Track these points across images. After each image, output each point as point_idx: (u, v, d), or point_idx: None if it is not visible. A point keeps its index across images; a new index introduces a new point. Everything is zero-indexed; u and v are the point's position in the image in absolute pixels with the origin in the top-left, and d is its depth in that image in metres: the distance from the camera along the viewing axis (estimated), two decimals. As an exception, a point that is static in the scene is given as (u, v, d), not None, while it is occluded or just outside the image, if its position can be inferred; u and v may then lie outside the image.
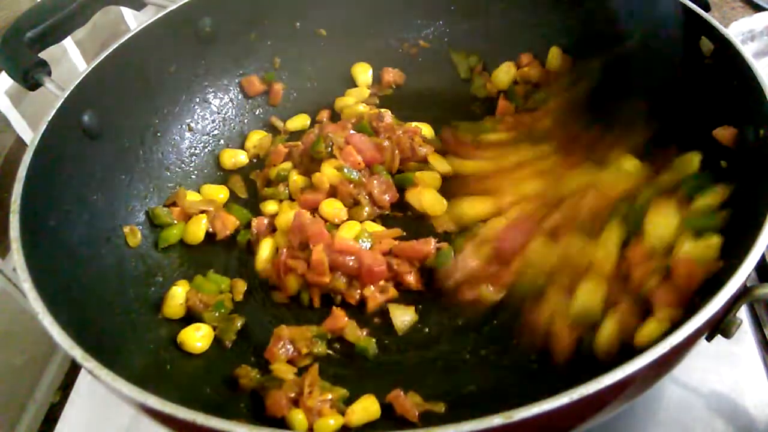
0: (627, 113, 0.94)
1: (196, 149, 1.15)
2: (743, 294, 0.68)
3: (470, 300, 0.90)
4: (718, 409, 0.88)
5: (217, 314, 0.94)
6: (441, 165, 1.09)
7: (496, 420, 0.54)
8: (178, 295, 0.95)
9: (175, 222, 1.04)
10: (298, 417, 0.79)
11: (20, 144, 1.21)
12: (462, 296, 0.90)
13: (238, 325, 0.93)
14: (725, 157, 0.87)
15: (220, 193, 1.10)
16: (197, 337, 0.91)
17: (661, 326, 0.75)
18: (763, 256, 0.99)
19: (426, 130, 1.16)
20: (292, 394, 0.82)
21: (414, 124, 1.15)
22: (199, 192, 1.10)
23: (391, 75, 1.26)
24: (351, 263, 0.93)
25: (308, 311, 0.95)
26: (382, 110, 1.15)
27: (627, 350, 0.73)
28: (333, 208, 1.03)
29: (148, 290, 0.97)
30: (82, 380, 1.04)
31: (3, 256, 1.14)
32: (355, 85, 1.26)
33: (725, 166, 0.86)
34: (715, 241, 0.79)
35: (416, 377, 0.86)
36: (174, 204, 1.07)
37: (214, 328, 0.92)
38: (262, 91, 1.22)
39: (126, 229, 1.00)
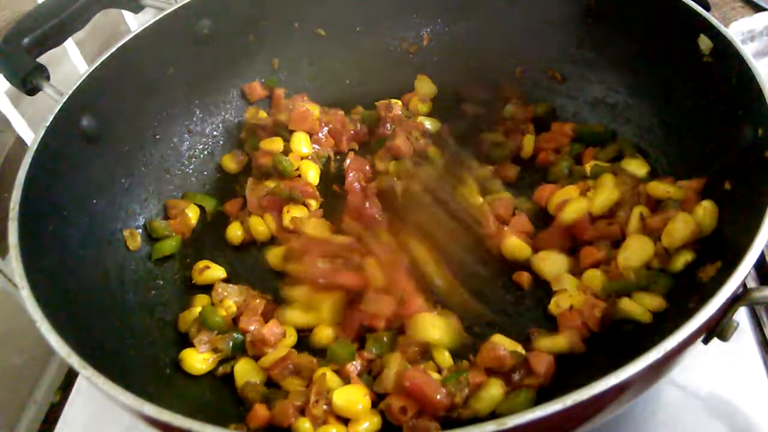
0: None
1: (195, 151, 1.16)
2: (740, 297, 0.67)
3: None
4: (718, 409, 0.88)
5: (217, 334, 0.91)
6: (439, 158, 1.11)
7: (489, 427, 0.54)
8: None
9: (174, 234, 1.05)
10: (305, 425, 0.78)
11: (20, 144, 1.22)
12: None
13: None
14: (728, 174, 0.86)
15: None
16: (199, 360, 0.89)
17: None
18: (763, 256, 0.99)
19: (431, 124, 1.18)
20: (299, 403, 0.80)
21: (419, 118, 1.17)
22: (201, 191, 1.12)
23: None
24: None
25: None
26: (392, 100, 1.17)
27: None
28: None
29: (148, 294, 0.97)
30: (83, 380, 1.04)
31: (3, 255, 1.14)
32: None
33: (729, 188, 0.85)
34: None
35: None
36: (172, 216, 1.07)
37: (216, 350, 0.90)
38: (263, 97, 1.22)
39: (126, 233, 1.00)
